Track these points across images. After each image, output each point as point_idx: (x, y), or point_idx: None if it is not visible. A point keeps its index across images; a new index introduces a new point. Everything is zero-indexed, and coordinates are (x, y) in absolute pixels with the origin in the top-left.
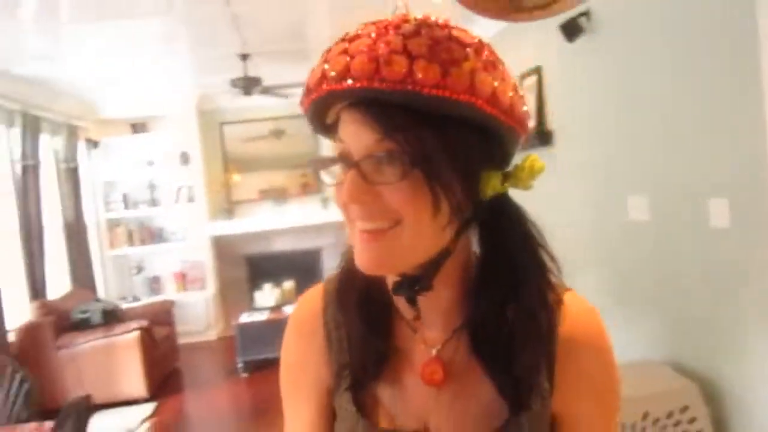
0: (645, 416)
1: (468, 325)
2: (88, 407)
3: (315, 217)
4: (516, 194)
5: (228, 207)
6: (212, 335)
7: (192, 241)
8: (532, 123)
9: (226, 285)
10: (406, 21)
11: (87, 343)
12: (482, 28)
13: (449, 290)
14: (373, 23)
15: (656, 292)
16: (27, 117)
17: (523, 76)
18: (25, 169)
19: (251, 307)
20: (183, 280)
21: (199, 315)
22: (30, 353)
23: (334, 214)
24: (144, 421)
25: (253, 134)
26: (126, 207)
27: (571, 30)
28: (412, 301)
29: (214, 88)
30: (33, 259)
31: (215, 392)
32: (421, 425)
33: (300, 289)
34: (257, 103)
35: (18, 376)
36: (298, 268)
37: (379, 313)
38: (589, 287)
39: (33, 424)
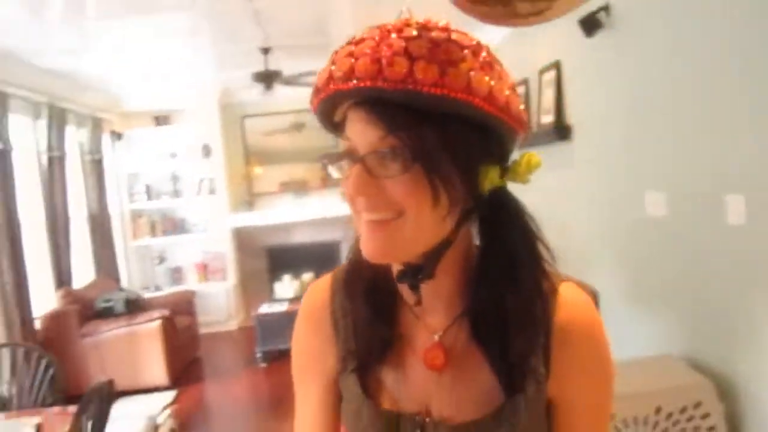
0: (658, 410)
1: (468, 312)
2: (111, 392)
3: (335, 209)
4: (535, 188)
5: (249, 199)
6: (232, 325)
7: (213, 233)
8: (550, 117)
9: (247, 276)
10: (408, 25)
11: (110, 332)
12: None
13: (450, 279)
14: (378, 27)
15: (672, 287)
16: (53, 109)
17: (542, 71)
18: (51, 160)
19: (271, 298)
20: (204, 270)
21: (219, 305)
22: (55, 340)
23: None
24: (165, 408)
25: (274, 127)
26: (149, 198)
27: (590, 25)
28: (414, 288)
29: (235, 82)
30: (59, 249)
31: (234, 381)
32: (423, 407)
33: None
34: (278, 96)
35: (44, 362)
36: (318, 259)
37: (384, 301)
38: (606, 281)
39: (57, 408)
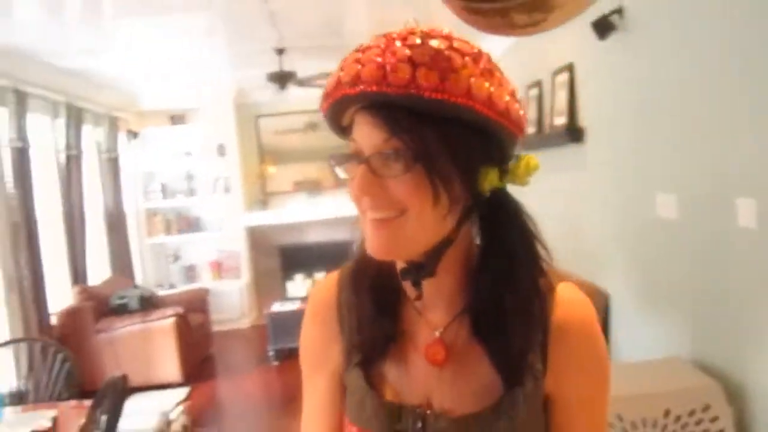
0: (667, 413)
1: (469, 309)
2: (125, 387)
3: (348, 209)
4: (547, 189)
5: (263, 198)
6: (245, 323)
7: (227, 231)
8: (563, 119)
9: (260, 275)
10: (413, 33)
11: (125, 328)
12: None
13: (451, 277)
14: (384, 36)
15: (683, 289)
16: (71, 108)
17: (556, 73)
18: (68, 159)
19: (283, 297)
20: (218, 268)
21: (233, 303)
22: (71, 336)
23: None
24: (178, 404)
25: (288, 127)
26: (164, 197)
27: (603, 27)
28: (417, 285)
29: (250, 82)
30: (75, 246)
31: (246, 379)
32: (424, 400)
33: None
34: (292, 96)
35: (60, 357)
36: (330, 259)
37: (388, 298)
38: (617, 283)
39: (73, 402)
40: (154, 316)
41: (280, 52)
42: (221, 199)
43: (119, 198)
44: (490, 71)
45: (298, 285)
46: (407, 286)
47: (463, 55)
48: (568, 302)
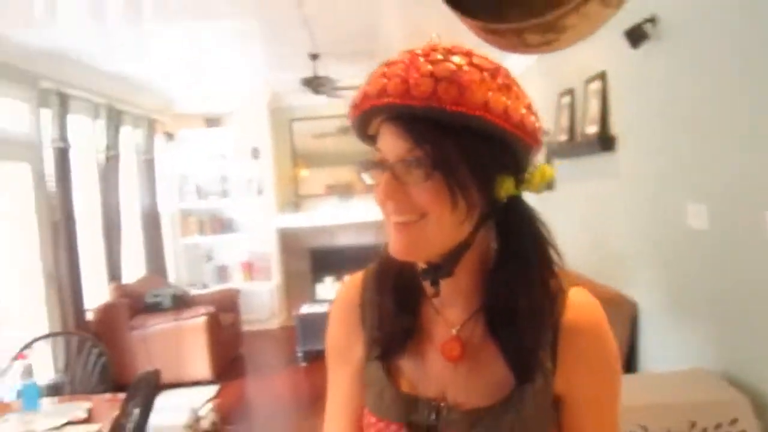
0: (693, 425)
1: (484, 309)
2: (157, 381)
3: (378, 213)
4: (577, 197)
5: (295, 201)
6: (275, 324)
7: (259, 233)
8: (595, 128)
9: (290, 276)
10: (435, 50)
11: (157, 326)
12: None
13: (468, 278)
14: (409, 51)
15: (712, 301)
16: (111, 110)
17: (588, 81)
18: (107, 159)
19: (313, 299)
20: (250, 269)
21: (263, 304)
22: (105, 332)
23: None
24: (207, 401)
25: (321, 131)
26: (198, 198)
27: (636, 36)
28: (435, 285)
29: (284, 86)
30: (112, 245)
31: (275, 379)
32: (439, 393)
33: None
34: (326, 101)
35: (96, 351)
36: (360, 262)
37: (408, 296)
38: (646, 293)
39: (108, 395)
40: (186, 314)
41: (315, 57)
42: (254, 201)
43: (155, 198)
44: (508, 86)
45: (328, 287)
46: (426, 285)
47: (482, 70)
48: (579, 305)
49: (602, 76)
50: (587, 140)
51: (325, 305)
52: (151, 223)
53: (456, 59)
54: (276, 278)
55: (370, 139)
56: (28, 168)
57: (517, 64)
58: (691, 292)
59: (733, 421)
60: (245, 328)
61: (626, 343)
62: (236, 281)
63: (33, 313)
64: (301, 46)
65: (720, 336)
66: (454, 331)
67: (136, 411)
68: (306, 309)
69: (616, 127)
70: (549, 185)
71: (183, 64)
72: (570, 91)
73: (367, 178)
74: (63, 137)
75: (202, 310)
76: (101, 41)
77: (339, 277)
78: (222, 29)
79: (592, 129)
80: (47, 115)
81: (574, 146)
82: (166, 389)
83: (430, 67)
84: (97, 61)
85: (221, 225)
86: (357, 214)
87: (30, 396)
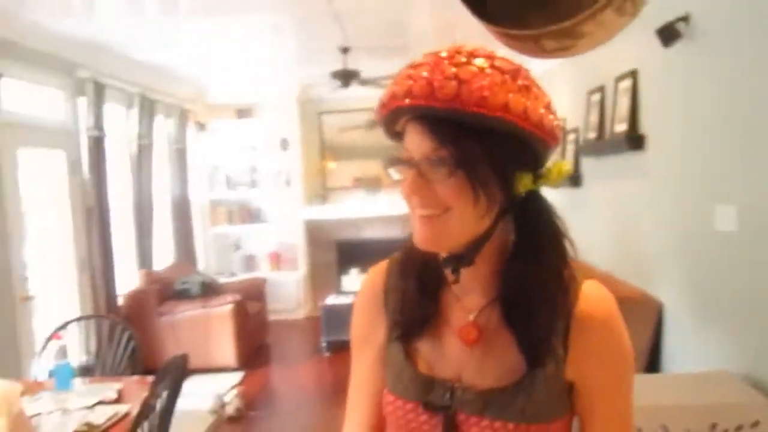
0: (713, 427)
1: (501, 296)
2: (185, 366)
3: (404, 207)
4: (605, 195)
5: (322, 193)
6: (300, 314)
7: (287, 224)
8: (624, 126)
9: (316, 267)
10: (459, 52)
11: (186, 312)
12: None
13: (487, 267)
14: (434, 54)
15: (738, 304)
16: (144, 99)
17: (619, 79)
18: (140, 148)
19: (338, 290)
20: (277, 260)
21: (289, 294)
22: (135, 317)
23: None
24: (232, 388)
25: (349, 124)
26: (228, 188)
27: (668, 35)
28: (456, 273)
29: (314, 79)
30: (143, 232)
31: (299, 368)
32: (455, 375)
33: None
34: (354, 94)
35: (126, 335)
36: (386, 255)
37: (430, 284)
38: (672, 293)
39: (137, 377)
40: (214, 302)
41: (345, 50)
42: (282, 192)
43: (185, 188)
44: (527, 87)
45: (353, 279)
46: (447, 272)
47: (503, 72)
48: (592, 297)
49: (633, 75)
50: (616, 138)
51: (350, 297)
52: (182, 212)
53: (478, 62)
54: (302, 269)
55: (397, 135)
56: (64, 155)
57: (548, 61)
58: (717, 293)
59: (755, 424)
60: (271, 317)
61: (650, 343)
62: (263, 271)
63: (66, 297)
64: (332, 40)
65: (743, 338)
66: (471, 317)
67: (165, 393)
68: (331, 300)
69: (645, 126)
70: (575, 182)
71: (215, 56)
72: (600, 89)
73: (394, 174)
74: (98, 126)
75: (230, 298)
76: (137, 32)
77: (364, 270)
78: (254, 22)
79: (622, 127)
80: (83, 103)
81: (603, 144)
82: (193, 374)
83: (453, 69)
84: (131, 51)
85: (250, 215)
86: (384, 208)
87: (63, 375)
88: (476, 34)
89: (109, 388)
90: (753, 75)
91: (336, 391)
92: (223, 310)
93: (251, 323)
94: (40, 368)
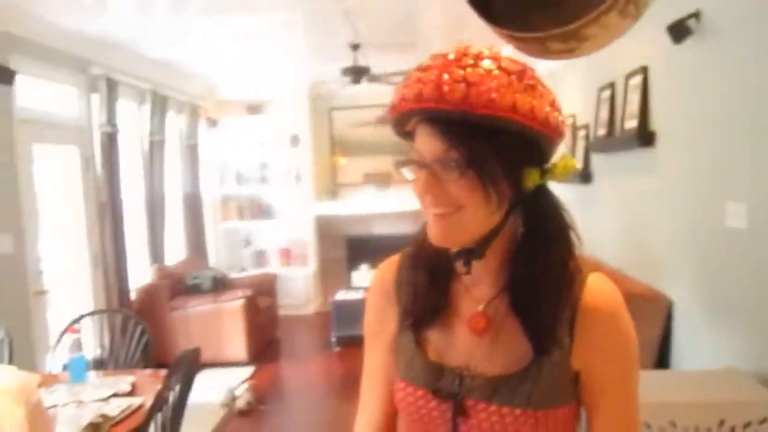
0: (721, 423)
1: (509, 287)
2: (197, 359)
3: (415, 203)
4: (615, 192)
5: (333, 189)
6: (310, 310)
7: (297, 220)
8: (634, 123)
9: (326, 263)
10: (466, 55)
11: (197, 307)
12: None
13: (496, 259)
14: (442, 56)
15: (748, 301)
16: (156, 95)
17: (629, 76)
18: (152, 144)
19: (348, 286)
20: (287, 255)
21: (299, 290)
22: (147, 312)
23: None
24: (243, 382)
25: (360, 120)
26: (238, 184)
27: (679, 32)
28: (467, 265)
29: (325, 76)
30: (155, 227)
31: (309, 363)
32: (464, 363)
33: None
34: (365, 90)
35: (139, 329)
36: (395, 251)
37: (441, 275)
38: (681, 290)
39: (149, 370)
40: (225, 297)
41: (355, 47)
42: (292, 188)
43: (197, 183)
44: (533, 86)
45: (363, 275)
46: (458, 265)
47: (509, 73)
48: (597, 290)
49: (644, 71)
50: (626, 135)
51: (360, 292)
52: (193, 208)
53: (485, 64)
54: (312, 265)
55: (407, 135)
56: (77, 151)
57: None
58: (727, 291)
59: (763, 421)
60: (281, 312)
61: (659, 339)
62: (273, 266)
63: (79, 291)
64: (342, 37)
65: (753, 336)
66: (480, 307)
67: (178, 386)
68: (341, 295)
69: (655, 123)
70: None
71: (226, 52)
72: (611, 85)
73: (407, 174)
74: (111, 122)
75: (240, 293)
76: (148, 29)
77: (374, 265)
78: (265, 19)
79: (632, 124)
80: (96, 100)
81: (613, 141)
82: (204, 368)
83: (461, 72)
84: (143, 48)
85: (260, 211)
86: (393, 204)
87: (78, 368)
88: (485, 32)
89: (123, 381)
90: (763, 72)
91: (345, 386)
92: (234, 305)
93: (262, 318)
94: (54, 362)
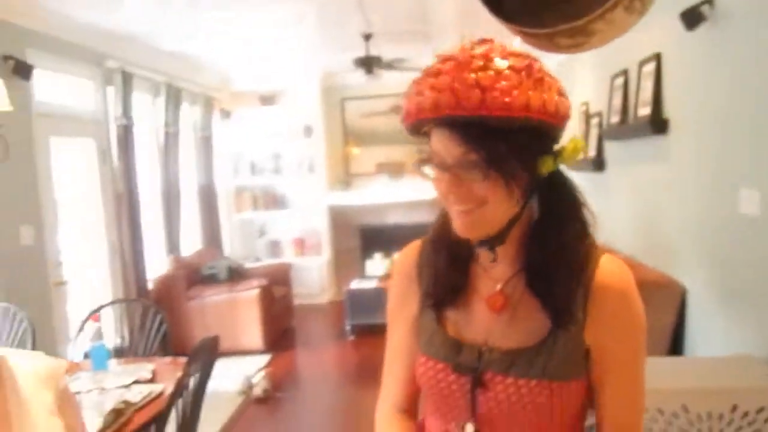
0: (734, 409)
1: (525, 267)
2: (216, 347)
3: (427, 192)
4: (628, 179)
5: (346, 179)
6: (324, 299)
7: (311, 210)
8: (647, 110)
9: (340, 253)
10: (474, 56)
11: (213, 296)
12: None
13: (514, 241)
14: (450, 59)
15: (761, 288)
16: (170, 88)
17: (642, 63)
18: (167, 135)
19: (362, 275)
20: (301, 245)
21: (313, 279)
22: (164, 301)
23: None
24: (260, 370)
25: (372, 110)
26: (252, 174)
27: (692, 18)
28: (492, 251)
29: (337, 66)
30: (171, 218)
31: (324, 351)
32: (482, 339)
33: None
34: (377, 80)
35: (158, 318)
36: (409, 240)
37: (460, 257)
38: (694, 277)
39: (168, 358)
40: (240, 286)
41: (367, 37)
42: (306, 178)
43: (211, 174)
44: (541, 79)
45: (377, 264)
46: (482, 252)
47: (518, 71)
48: (609, 270)
49: (657, 58)
50: (639, 122)
51: (374, 281)
52: (208, 198)
53: (495, 64)
54: (326, 254)
55: (421, 134)
56: (94, 144)
57: None
58: (740, 278)
59: None
60: (296, 301)
61: (672, 327)
62: (288, 256)
63: (98, 282)
64: (355, 27)
65: (767, 323)
66: (498, 287)
67: (197, 374)
68: (355, 284)
69: (669, 110)
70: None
71: (239, 44)
72: (624, 73)
73: (429, 173)
74: (127, 114)
75: (256, 282)
76: (163, 23)
77: (388, 255)
78: (278, 10)
79: (645, 111)
80: (112, 93)
81: (626, 128)
82: (221, 357)
83: (473, 76)
84: (157, 41)
85: (274, 201)
86: (406, 193)
87: (100, 356)
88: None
89: (144, 369)
90: None
91: (360, 374)
92: (249, 294)
93: (277, 307)
94: (75, 350)
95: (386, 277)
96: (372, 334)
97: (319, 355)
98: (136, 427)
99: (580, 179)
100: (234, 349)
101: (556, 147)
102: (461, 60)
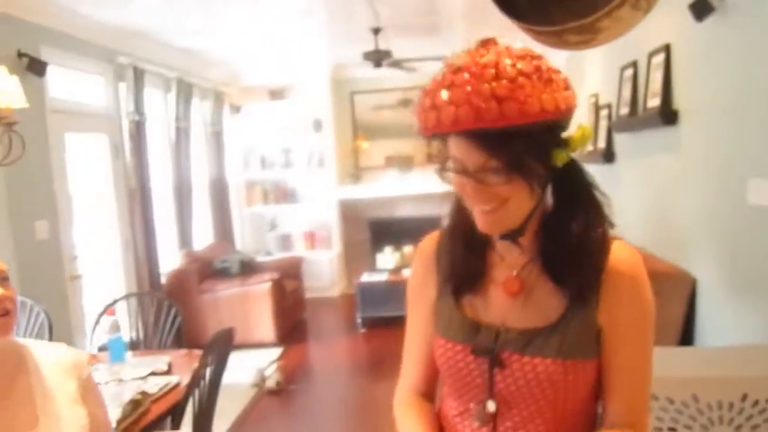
0: (744, 397)
1: (541, 253)
2: (231, 339)
3: (437, 186)
4: (638, 171)
5: (355, 172)
6: (335, 292)
7: (321, 204)
8: (657, 101)
9: (351, 246)
10: (486, 66)
11: (226, 290)
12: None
13: (529, 230)
14: (462, 69)
15: None
16: (181, 83)
17: (652, 54)
18: (178, 130)
19: (372, 268)
20: (311, 239)
21: (324, 272)
22: (177, 295)
23: None
24: (272, 362)
25: (381, 103)
26: (263, 168)
27: (701, 9)
28: (515, 242)
29: (346, 60)
30: (183, 213)
31: (335, 344)
32: (499, 322)
33: None
34: (387, 74)
35: (173, 311)
36: (419, 233)
37: (477, 245)
38: (705, 268)
39: (183, 351)
40: (252, 280)
41: (376, 31)
42: (316, 172)
43: (222, 169)
44: (550, 79)
45: (387, 257)
46: (500, 244)
47: (529, 76)
48: (620, 256)
49: (666, 49)
50: (649, 114)
51: (384, 274)
52: (219, 193)
53: (508, 72)
54: (337, 248)
55: (439, 138)
56: (107, 139)
57: None
58: (750, 268)
59: None
60: (307, 295)
61: (683, 317)
62: (299, 249)
63: (112, 276)
64: (364, 21)
65: None
66: (514, 272)
67: (212, 366)
68: (366, 277)
69: (678, 101)
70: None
71: (249, 39)
72: (633, 64)
73: (449, 179)
74: (139, 110)
75: (267, 276)
76: (173, 19)
77: (398, 248)
78: (287, 4)
79: (655, 102)
80: (123, 89)
81: (636, 120)
82: (234, 350)
83: (488, 86)
84: (169, 37)
85: (284, 195)
86: (416, 186)
87: (117, 349)
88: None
89: (160, 361)
90: None
91: (371, 366)
92: (261, 287)
93: (289, 300)
94: (91, 343)
95: (397, 269)
96: (383, 326)
97: (330, 348)
98: (154, 417)
99: (590, 171)
100: (246, 342)
101: (565, 135)
102: (473, 71)
